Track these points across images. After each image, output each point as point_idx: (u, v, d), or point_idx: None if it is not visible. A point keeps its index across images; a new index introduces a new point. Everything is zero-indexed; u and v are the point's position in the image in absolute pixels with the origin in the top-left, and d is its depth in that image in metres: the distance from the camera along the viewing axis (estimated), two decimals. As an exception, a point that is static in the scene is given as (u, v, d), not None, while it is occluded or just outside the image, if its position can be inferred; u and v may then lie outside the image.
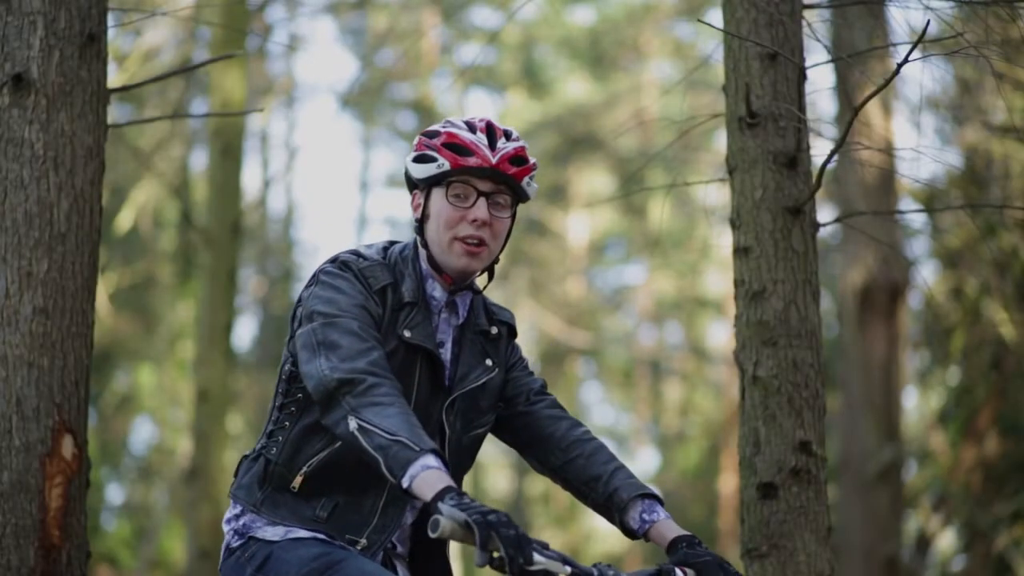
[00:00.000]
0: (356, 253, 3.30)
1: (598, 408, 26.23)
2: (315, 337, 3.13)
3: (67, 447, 3.69)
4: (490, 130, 3.27)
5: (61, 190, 3.73)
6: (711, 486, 20.89)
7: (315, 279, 3.25)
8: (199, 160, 18.31)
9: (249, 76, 12.50)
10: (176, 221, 17.80)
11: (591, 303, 23.24)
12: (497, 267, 3.41)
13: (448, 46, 21.46)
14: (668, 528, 3.27)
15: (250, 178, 25.10)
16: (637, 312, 23.30)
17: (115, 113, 9.96)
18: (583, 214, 21.92)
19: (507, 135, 3.29)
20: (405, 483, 2.91)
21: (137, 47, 11.45)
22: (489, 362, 3.37)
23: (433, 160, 3.25)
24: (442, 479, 2.89)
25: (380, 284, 3.24)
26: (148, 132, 14.91)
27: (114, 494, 20.52)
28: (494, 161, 3.23)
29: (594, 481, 3.36)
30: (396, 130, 22.76)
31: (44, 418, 3.66)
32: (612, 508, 3.33)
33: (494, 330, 3.41)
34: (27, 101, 3.72)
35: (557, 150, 20.92)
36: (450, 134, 3.26)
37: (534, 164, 3.32)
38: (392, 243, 3.38)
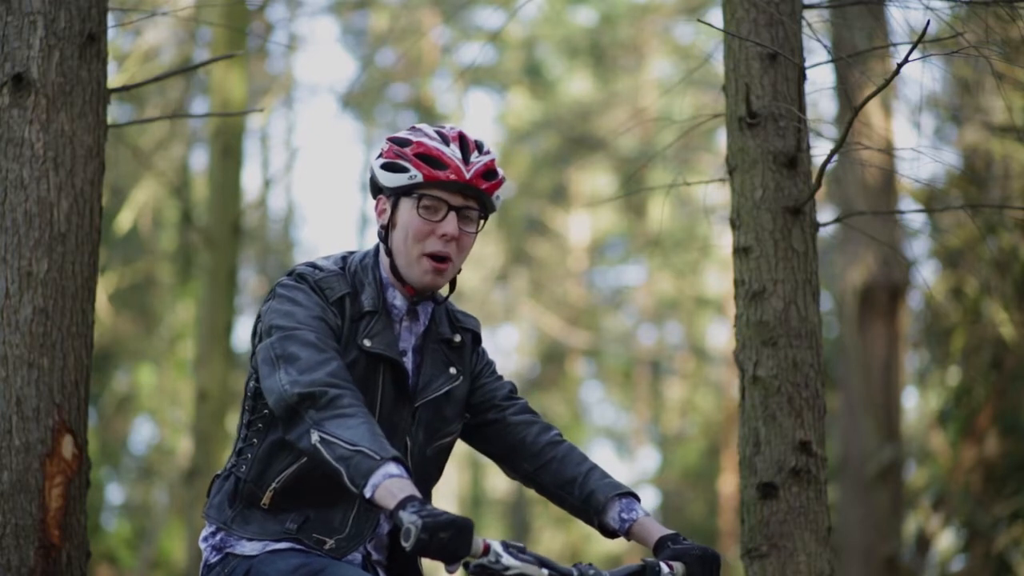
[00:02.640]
0: (313, 265, 3.26)
1: (598, 408, 26.24)
2: (273, 351, 3.09)
3: (67, 447, 3.69)
4: (463, 142, 3.21)
5: (61, 190, 3.73)
6: (711, 486, 20.88)
7: (273, 293, 3.22)
8: (199, 160, 18.33)
9: (249, 76, 12.50)
10: (176, 221, 17.80)
11: (591, 303, 23.23)
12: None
13: (448, 46, 21.47)
14: (652, 527, 3.25)
15: (250, 178, 25.14)
16: (637, 312, 23.30)
17: (115, 113, 9.96)
18: (583, 214, 21.92)
19: (479, 148, 3.23)
20: (367, 493, 2.88)
21: (137, 47, 11.45)
22: (453, 370, 3.33)
23: (404, 170, 3.19)
24: (404, 488, 2.86)
25: (337, 295, 3.21)
26: (148, 132, 14.91)
27: (114, 494, 20.53)
28: (468, 176, 3.18)
29: (569, 484, 3.33)
30: (396, 130, 22.72)
31: (44, 418, 3.66)
32: (590, 510, 3.31)
33: (457, 338, 3.36)
34: (27, 101, 3.72)
35: (557, 150, 20.92)
36: (422, 144, 3.20)
37: (503, 178, 3.27)
38: (351, 252, 3.33)
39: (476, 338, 3.43)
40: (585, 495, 3.31)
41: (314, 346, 3.09)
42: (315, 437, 2.96)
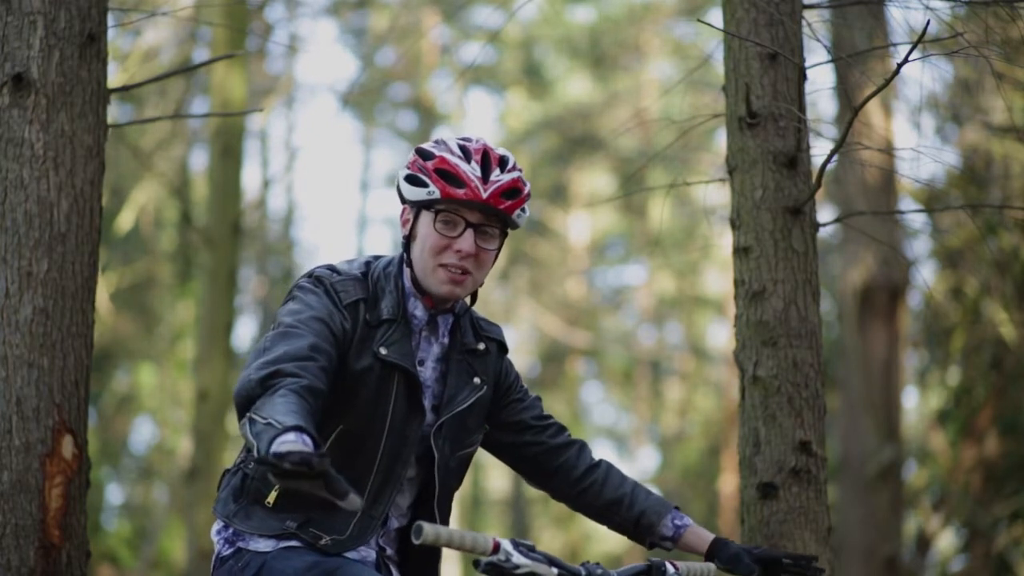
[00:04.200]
0: (331, 268, 3.27)
1: (598, 408, 26.23)
2: (264, 344, 3.07)
3: (67, 447, 3.69)
4: (485, 159, 3.20)
5: (61, 190, 3.73)
6: (711, 486, 20.87)
7: (290, 295, 3.23)
8: (199, 160, 18.33)
9: (249, 76, 12.50)
10: (176, 221, 17.79)
11: (591, 303, 23.23)
12: (482, 288, 3.35)
13: (448, 46, 21.46)
14: (702, 532, 3.45)
15: (250, 178, 25.09)
16: (637, 312, 23.29)
17: (115, 113, 9.95)
18: (583, 214, 21.91)
19: (502, 164, 3.22)
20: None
21: (137, 47, 11.44)
22: (477, 380, 3.35)
23: (424, 185, 3.20)
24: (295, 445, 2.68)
25: (351, 298, 3.21)
26: (148, 132, 14.90)
27: (114, 494, 20.53)
28: (485, 196, 3.18)
29: (615, 505, 3.47)
30: (396, 130, 22.75)
31: (44, 418, 3.66)
32: (641, 530, 3.46)
33: (481, 346, 3.38)
34: (27, 101, 3.72)
35: (557, 150, 20.91)
36: (444, 159, 3.20)
37: (528, 194, 3.26)
38: (376, 258, 3.34)
39: (501, 347, 3.45)
40: (635, 516, 3.45)
41: (299, 342, 3.05)
42: (245, 421, 2.85)
